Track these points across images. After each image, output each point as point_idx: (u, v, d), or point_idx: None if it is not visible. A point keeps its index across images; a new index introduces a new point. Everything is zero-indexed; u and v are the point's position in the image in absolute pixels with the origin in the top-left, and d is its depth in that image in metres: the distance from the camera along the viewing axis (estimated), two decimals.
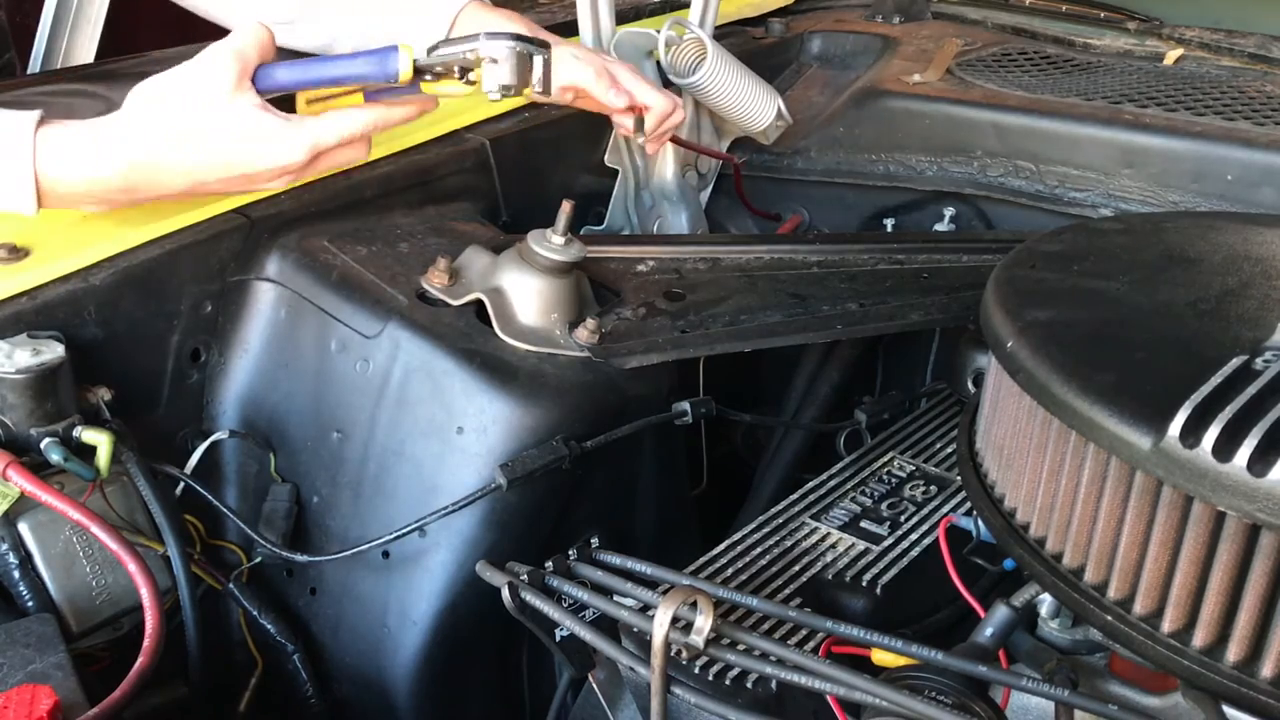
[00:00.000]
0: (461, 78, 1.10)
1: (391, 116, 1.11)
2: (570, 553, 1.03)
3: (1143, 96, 1.64)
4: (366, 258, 1.23)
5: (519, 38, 1.10)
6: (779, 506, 1.17)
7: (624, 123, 1.39)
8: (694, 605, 0.87)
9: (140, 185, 1.06)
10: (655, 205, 1.62)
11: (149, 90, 1.06)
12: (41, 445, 0.99)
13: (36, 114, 1.02)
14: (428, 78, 1.09)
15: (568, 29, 1.52)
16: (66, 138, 1.02)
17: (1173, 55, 1.83)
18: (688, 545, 1.31)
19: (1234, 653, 0.75)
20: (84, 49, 2.38)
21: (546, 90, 1.13)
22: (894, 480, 1.24)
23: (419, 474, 1.12)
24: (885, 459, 1.28)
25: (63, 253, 1.10)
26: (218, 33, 1.14)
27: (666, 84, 1.55)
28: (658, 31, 1.52)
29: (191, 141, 1.04)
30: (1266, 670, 0.74)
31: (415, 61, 1.08)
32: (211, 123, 1.04)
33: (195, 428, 1.21)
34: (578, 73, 1.32)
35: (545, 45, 1.12)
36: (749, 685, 0.91)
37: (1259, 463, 0.69)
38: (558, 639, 1.07)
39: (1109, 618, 0.80)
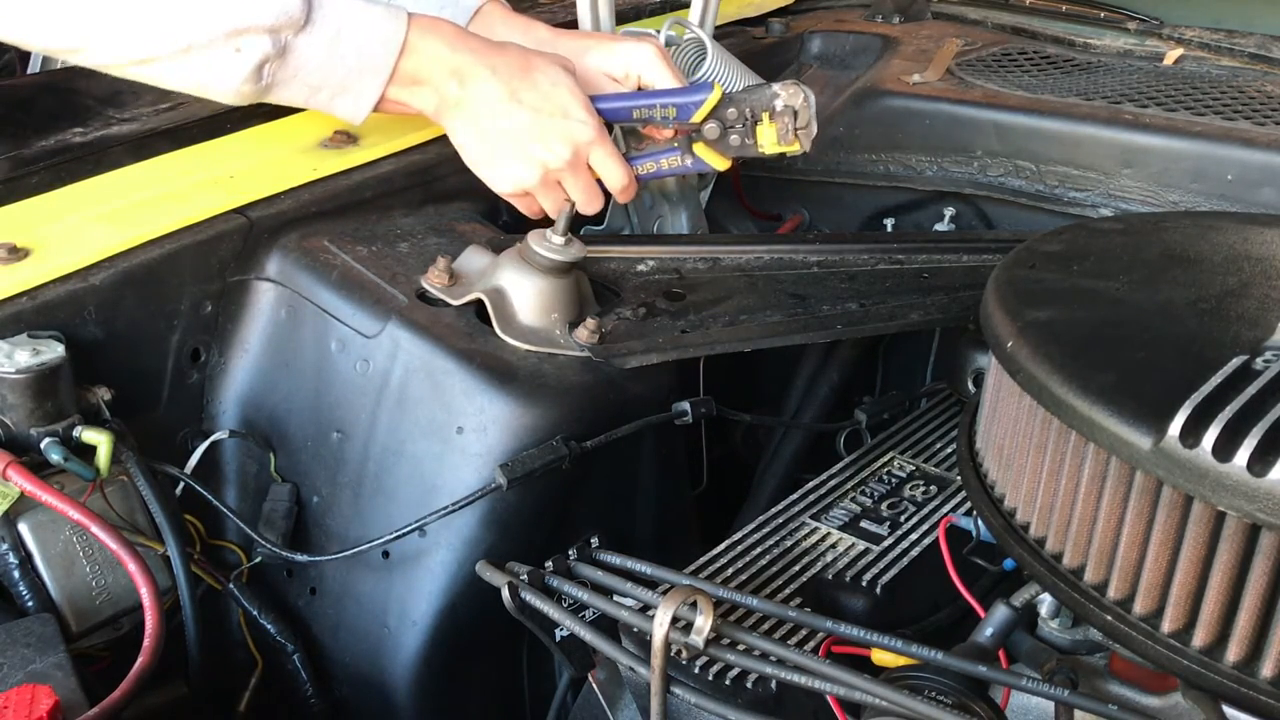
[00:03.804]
0: (753, 123, 1.25)
1: (632, 189, 1.27)
2: (570, 553, 1.03)
3: (1143, 96, 1.64)
4: (366, 258, 1.23)
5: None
6: (779, 506, 1.17)
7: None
8: (694, 605, 0.87)
9: (473, 88, 1.18)
10: (655, 205, 1.62)
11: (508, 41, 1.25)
12: (41, 445, 0.99)
13: (404, 11, 1.16)
14: (711, 124, 1.25)
15: (568, 29, 1.52)
16: (430, 20, 1.18)
17: (1173, 55, 1.83)
18: (688, 545, 1.31)
19: (1234, 653, 0.75)
20: None
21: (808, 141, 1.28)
22: (894, 480, 1.24)
23: (419, 474, 1.12)
24: (885, 459, 1.28)
25: (63, 252, 1.10)
26: None
27: None
28: (658, 31, 1.52)
29: (532, 71, 1.19)
30: (1266, 670, 0.74)
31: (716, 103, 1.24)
32: (548, 70, 1.20)
33: (195, 428, 1.21)
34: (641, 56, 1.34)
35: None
36: (749, 685, 0.91)
37: (1259, 463, 0.69)
38: (558, 639, 1.07)
39: (1109, 618, 0.80)
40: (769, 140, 1.25)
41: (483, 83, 1.18)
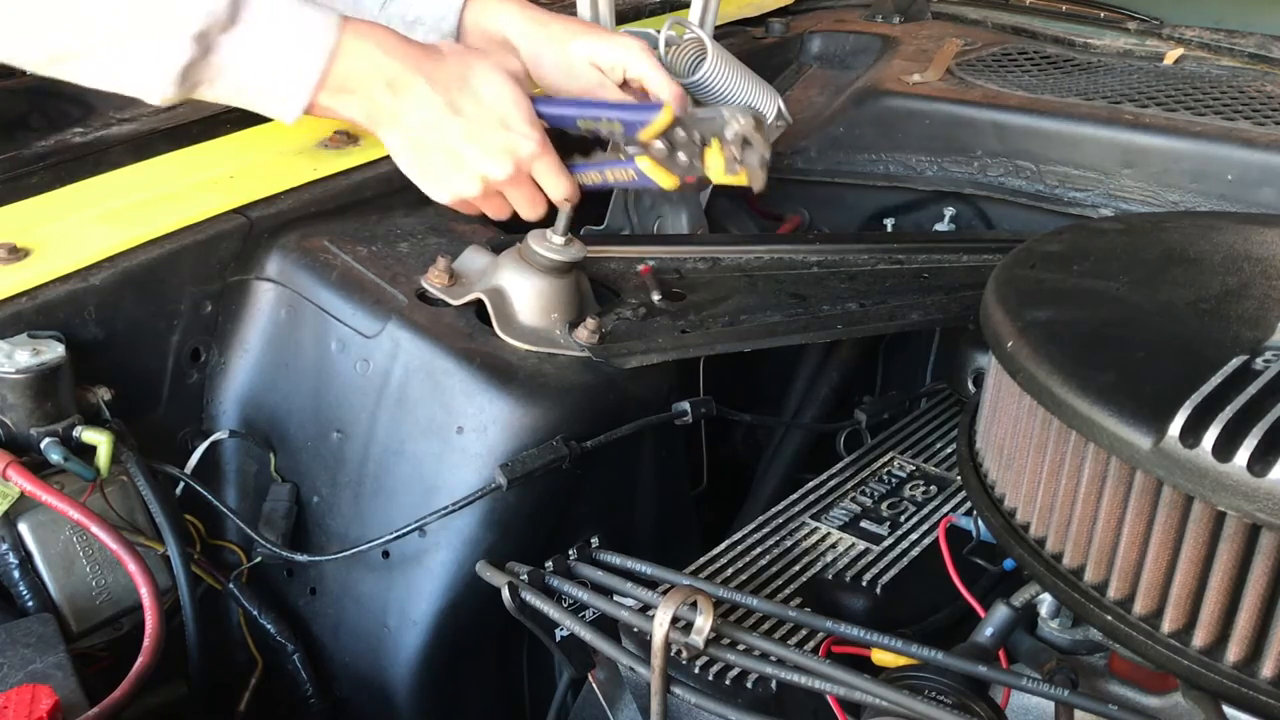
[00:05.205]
0: (702, 147, 1.20)
1: (575, 199, 1.20)
2: (570, 553, 1.03)
3: (1143, 96, 1.64)
4: (366, 258, 1.23)
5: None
6: (779, 506, 1.17)
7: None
8: (694, 605, 0.87)
9: (407, 98, 1.12)
10: (655, 205, 1.62)
11: (448, 43, 1.19)
12: (41, 445, 0.99)
13: (338, 15, 1.11)
14: (659, 143, 1.19)
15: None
16: (367, 26, 1.12)
17: (1173, 55, 1.83)
18: (688, 545, 1.31)
19: (1234, 653, 0.75)
20: None
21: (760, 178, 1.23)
22: (894, 480, 1.24)
23: (419, 474, 1.12)
24: (885, 459, 1.28)
25: (63, 253, 1.10)
26: None
27: None
28: (658, 31, 1.52)
29: (471, 80, 1.14)
30: (1266, 670, 0.74)
31: (669, 120, 1.18)
32: (489, 77, 1.15)
33: (195, 428, 1.21)
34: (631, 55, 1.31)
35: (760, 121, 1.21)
36: (749, 685, 0.91)
37: (1259, 463, 0.69)
38: (558, 639, 1.07)
39: (1109, 618, 0.80)
40: (716, 168, 1.21)
41: (417, 92, 1.13)
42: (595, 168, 1.22)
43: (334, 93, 1.11)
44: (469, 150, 1.16)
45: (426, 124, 1.15)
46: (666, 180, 1.21)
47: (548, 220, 1.18)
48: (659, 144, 1.20)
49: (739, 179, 1.21)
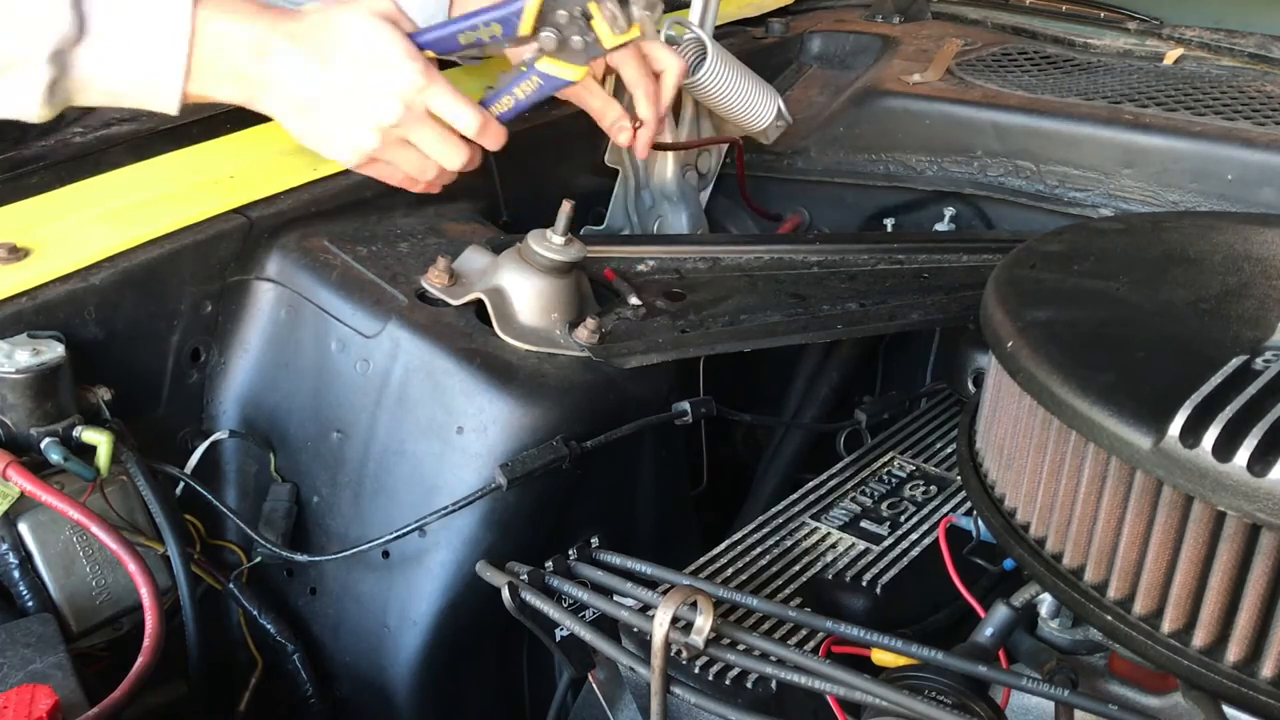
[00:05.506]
0: (587, 19, 1.14)
1: (494, 129, 1.16)
2: (570, 553, 1.03)
3: (1143, 96, 1.64)
4: (366, 258, 1.23)
5: None
6: (779, 506, 1.17)
7: (620, 136, 1.33)
8: (694, 605, 0.87)
9: (275, 62, 1.09)
10: (655, 205, 1.62)
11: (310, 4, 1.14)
12: (41, 445, 0.99)
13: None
14: (546, 32, 1.14)
15: None
16: (219, 1, 1.08)
17: (1173, 55, 1.83)
18: (688, 545, 1.32)
19: (1234, 653, 0.75)
20: None
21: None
22: (894, 480, 1.24)
23: (419, 474, 1.12)
24: (885, 459, 1.28)
25: (63, 252, 1.10)
26: None
27: None
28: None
29: (336, 29, 1.10)
30: (1266, 670, 0.74)
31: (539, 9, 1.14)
32: (356, 20, 1.10)
33: (195, 428, 1.21)
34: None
35: None
36: (749, 685, 0.91)
37: (1259, 463, 0.69)
38: (558, 639, 1.07)
39: (1109, 618, 0.80)
40: (605, 34, 1.15)
41: (284, 54, 1.09)
42: (503, 92, 1.19)
43: (204, 76, 1.08)
44: (351, 100, 1.11)
45: (302, 84, 1.10)
46: (573, 71, 1.17)
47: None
48: (548, 35, 1.15)
49: (632, 34, 1.16)
